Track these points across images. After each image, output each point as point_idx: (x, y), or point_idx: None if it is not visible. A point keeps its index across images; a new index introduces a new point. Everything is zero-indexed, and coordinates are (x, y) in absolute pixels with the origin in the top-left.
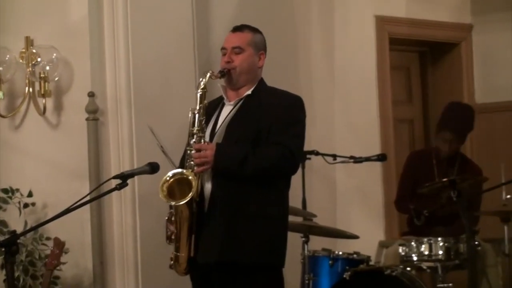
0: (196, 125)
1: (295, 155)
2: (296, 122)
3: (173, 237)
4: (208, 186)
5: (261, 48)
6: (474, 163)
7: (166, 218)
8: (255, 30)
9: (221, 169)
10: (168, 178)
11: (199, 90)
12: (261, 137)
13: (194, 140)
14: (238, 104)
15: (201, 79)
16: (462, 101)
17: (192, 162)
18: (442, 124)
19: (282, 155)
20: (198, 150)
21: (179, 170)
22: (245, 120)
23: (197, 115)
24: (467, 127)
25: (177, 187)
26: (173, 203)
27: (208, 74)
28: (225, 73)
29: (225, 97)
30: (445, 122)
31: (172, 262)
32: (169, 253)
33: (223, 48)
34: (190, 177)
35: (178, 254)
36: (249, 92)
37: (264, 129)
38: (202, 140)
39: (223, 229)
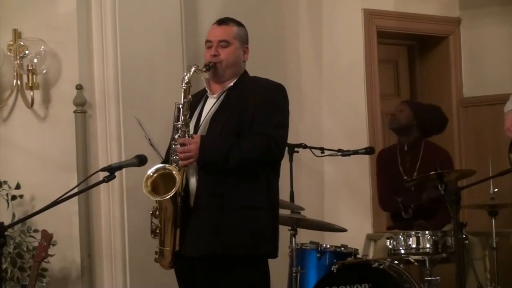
0: (180, 119)
1: (279, 145)
2: (279, 110)
3: (157, 231)
4: (193, 180)
5: (245, 41)
6: (441, 148)
7: (151, 212)
8: (239, 24)
9: (206, 162)
10: (151, 174)
11: (183, 85)
12: (245, 128)
13: (178, 134)
14: (221, 97)
15: (185, 74)
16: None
17: (176, 157)
18: (409, 100)
19: (266, 145)
20: (182, 145)
21: (162, 165)
22: (229, 112)
23: (181, 110)
24: (433, 124)
25: (161, 182)
26: (157, 198)
27: (193, 69)
28: (211, 67)
29: (208, 90)
30: (413, 103)
31: (157, 256)
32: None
33: (208, 41)
34: (173, 172)
35: (163, 248)
36: (231, 84)
37: (247, 119)
38: (187, 135)
39: (210, 222)
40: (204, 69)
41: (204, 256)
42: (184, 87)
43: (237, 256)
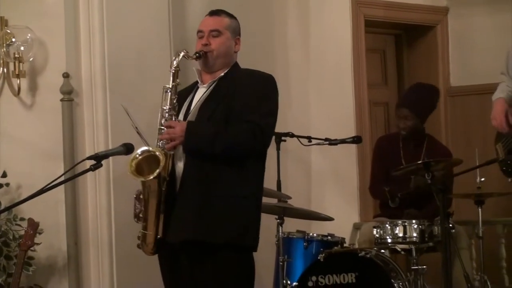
0: (168, 103)
1: (265, 133)
2: (267, 100)
3: (141, 215)
4: (180, 165)
5: (237, 33)
6: (442, 144)
7: (134, 196)
8: (231, 16)
9: (192, 147)
10: (137, 156)
11: (172, 69)
12: (233, 115)
13: (165, 118)
14: (211, 86)
15: (174, 58)
16: (430, 83)
17: (163, 141)
18: (400, 102)
19: (252, 133)
20: (169, 128)
21: (147, 147)
22: (217, 100)
23: (169, 94)
24: (425, 105)
25: (146, 164)
26: (141, 179)
27: (182, 54)
28: (201, 55)
29: (199, 81)
30: (403, 100)
31: (139, 241)
32: None
33: (200, 31)
34: (157, 153)
35: (146, 232)
36: (222, 74)
37: (235, 107)
38: (173, 118)
39: (195, 208)
40: (194, 57)
41: (187, 242)
42: (173, 71)
43: (222, 244)
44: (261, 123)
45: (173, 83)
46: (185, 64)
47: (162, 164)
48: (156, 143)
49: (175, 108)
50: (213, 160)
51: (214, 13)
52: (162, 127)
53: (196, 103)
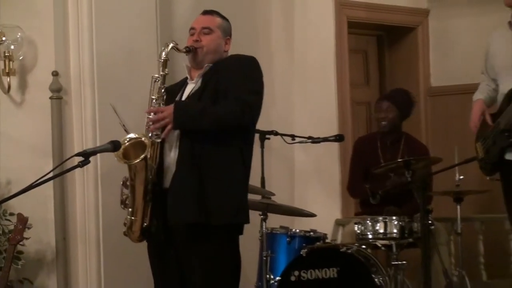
0: (156, 92)
1: (252, 109)
2: (252, 79)
3: (127, 201)
4: (171, 155)
5: (228, 33)
6: (419, 141)
7: (121, 182)
8: (223, 17)
9: (182, 124)
10: (125, 142)
11: (161, 59)
12: (220, 96)
13: (153, 107)
14: (200, 79)
15: (163, 48)
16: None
17: (155, 133)
18: (381, 97)
19: (240, 107)
20: (156, 114)
21: (133, 134)
22: (205, 86)
23: (158, 83)
24: (405, 101)
25: (133, 150)
26: (127, 162)
27: (171, 45)
28: (191, 50)
29: (188, 77)
30: (384, 96)
31: (125, 229)
32: None
33: (192, 28)
34: (143, 139)
35: (133, 218)
36: (210, 64)
37: (221, 88)
38: (161, 105)
39: (194, 193)
40: (184, 50)
41: (186, 225)
42: (161, 61)
43: (216, 225)
44: (248, 99)
45: (162, 73)
46: (173, 61)
47: (148, 148)
48: (146, 132)
49: (163, 97)
50: (204, 144)
51: (207, 12)
52: (151, 115)
53: (186, 98)
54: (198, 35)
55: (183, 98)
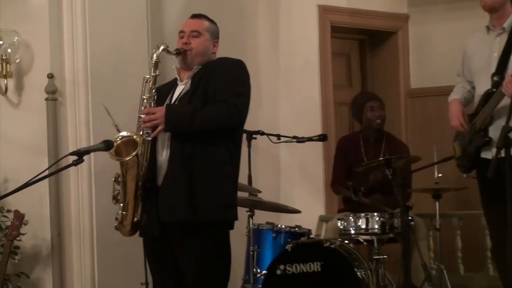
0: (147, 92)
1: (240, 110)
2: (240, 82)
3: (119, 197)
4: (164, 153)
5: (216, 36)
6: (400, 140)
7: (113, 178)
8: (211, 20)
9: (172, 126)
10: (117, 140)
11: (152, 61)
12: (209, 98)
13: (144, 106)
14: (189, 81)
15: (154, 50)
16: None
17: (146, 131)
18: (362, 101)
19: (229, 111)
20: (147, 114)
21: (125, 133)
22: (194, 86)
23: (149, 83)
24: (382, 100)
25: (124, 148)
26: (120, 159)
27: (162, 47)
28: (181, 52)
29: (178, 78)
30: (364, 99)
31: (117, 223)
32: None
33: (181, 31)
34: (134, 136)
35: (124, 213)
36: (199, 67)
37: (210, 91)
38: (152, 105)
39: (185, 190)
40: (174, 52)
41: (178, 222)
42: (153, 62)
43: (206, 222)
44: (236, 102)
45: (153, 74)
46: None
47: (139, 145)
48: (137, 131)
49: (154, 97)
50: (194, 144)
51: (196, 16)
52: (141, 115)
53: (176, 99)
54: (188, 37)
55: (173, 98)
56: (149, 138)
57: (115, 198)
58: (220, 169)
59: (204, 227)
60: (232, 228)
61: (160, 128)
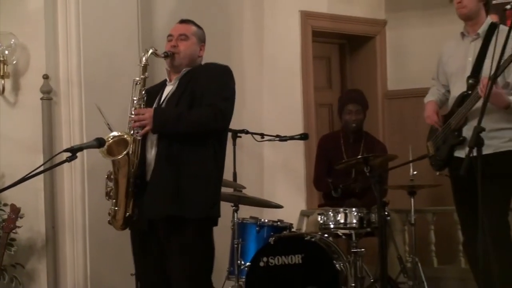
0: (137, 94)
1: (224, 115)
2: (226, 87)
3: (111, 193)
4: (152, 152)
5: (202, 40)
6: (378, 140)
7: (106, 176)
8: (198, 26)
9: (159, 128)
10: (109, 139)
11: (141, 64)
12: (196, 101)
13: (134, 107)
14: (177, 82)
15: (143, 54)
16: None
17: (136, 130)
18: (347, 99)
19: (213, 112)
20: (138, 114)
21: (116, 132)
22: (182, 89)
23: (138, 86)
24: (365, 102)
25: (116, 147)
26: (112, 158)
27: (151, 51)
28: (169, 55)
29: (168, 79)
30: (350, 98)
31: (110, 218)
32: None
33: (169, 35)
34: (125, 136)
35: (116, 208)
36: (187, 69)
37: (197, 94)
38: (142, 106)
39: (169, 188)
40: (163, 55)
41: (163, 218)
42: (142, 65)
43: (192, 218)
44: (221, 106)
45: (142, 76)
46: (153, 65)
47: (130, 145)
48: (128, 130)
49: (144, 98)
50: (181, 142)
51: (184, 21)
52: (132, 115)
53: (165, 99)
54: (176, 41)
55: (162, 98)
56: (140, 137)
57: (107, 194)
58: (205, 169)
59: (190, 224)
60: (216, 224)
61: (147, 128)
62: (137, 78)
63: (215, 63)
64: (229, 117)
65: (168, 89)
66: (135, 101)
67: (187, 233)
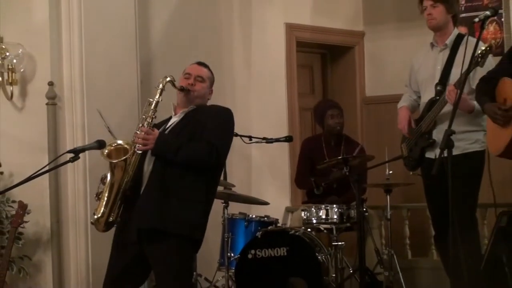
0: (149, 114)
1: (219, 153)
2: (224, 127)
3: (100, 196)
4: (148, 168)
5: (212, 85)
6: (357, 143)
7: (100, 178)
8: (211, 71)
9: (159, 152)
10: (112, 145)
11: (158, 88)
12: (196, 136)
13: (142, 124)
14: (183, 115)
15: (161, 80)
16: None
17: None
18: (323, 109)
19: (209, 151)
20: (145, 133)
21: (120, 141)
22: (185, 123)
23: (151, 107)
24: (341, 108)
25: (115, 153)
26: (111, 161)
27: (168, 78)
28: (185, 89)
29: (173, 112)
30: (326, 107)
31: (93, 219)
32: None
33: (187, 73)
34: (126, 146)
35: (102, 210)
36: (194, 106)
37: (198, 130)
38: (149, 127)
39: (158, 203)
40: (179, 88)
41: (147, 229)
42: (159, 89)
43: (173, 234)
44: (218, 144)
45: (157, 99)
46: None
47: (129, 153)
48: (131, 142)
49: (153, 119)
50: (175, 168)
51: (202, 64)
52: (138, 131)
53: (168, 127)
54: (194, 80)
55: (167, 127)
56: (139, 152)
57: (97, 195)
58: (193, 196)
59: (171, 239)
60: (197, 248)
61: (148, 147)
62: (152, 99)
63: (219, 105)
64: (224, 156)
65: (173, 120)
66: (145, 120)
67: (169, 247)
